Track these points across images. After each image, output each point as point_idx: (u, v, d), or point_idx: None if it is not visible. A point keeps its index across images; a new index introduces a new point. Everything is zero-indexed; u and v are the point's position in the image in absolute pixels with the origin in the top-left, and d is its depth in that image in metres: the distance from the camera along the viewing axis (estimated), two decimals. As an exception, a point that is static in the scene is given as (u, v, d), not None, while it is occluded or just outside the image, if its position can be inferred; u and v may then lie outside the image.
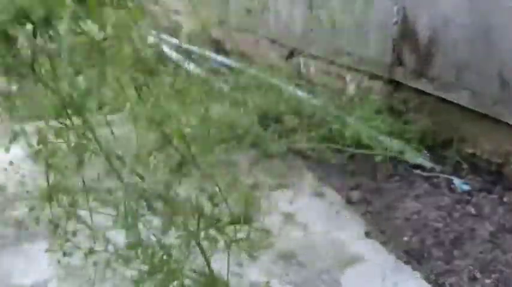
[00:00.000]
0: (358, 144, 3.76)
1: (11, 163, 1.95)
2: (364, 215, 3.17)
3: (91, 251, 1.77)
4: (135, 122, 1.70)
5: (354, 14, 4.60)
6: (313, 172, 3.75)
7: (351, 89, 4.72)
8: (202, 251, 1.73)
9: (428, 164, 3.63)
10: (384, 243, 2.86)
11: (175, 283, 1.71)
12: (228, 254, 1.76)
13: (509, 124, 3.26)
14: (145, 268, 1.74)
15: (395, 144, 3.76)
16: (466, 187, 3.33)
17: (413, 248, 2.81)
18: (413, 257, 2.73)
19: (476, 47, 3.39)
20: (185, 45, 7.01)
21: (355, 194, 3.39)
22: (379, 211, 3.19)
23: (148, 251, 1.68)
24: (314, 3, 5.22)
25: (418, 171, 3.59)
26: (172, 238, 1.75)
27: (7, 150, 1.62)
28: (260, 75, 5.06)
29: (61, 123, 1.60)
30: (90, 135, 1.59)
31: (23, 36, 1.46)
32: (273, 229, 1.93)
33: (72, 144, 1.58)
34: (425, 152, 3.73)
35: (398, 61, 4.14)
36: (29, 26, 1.46)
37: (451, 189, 3.35)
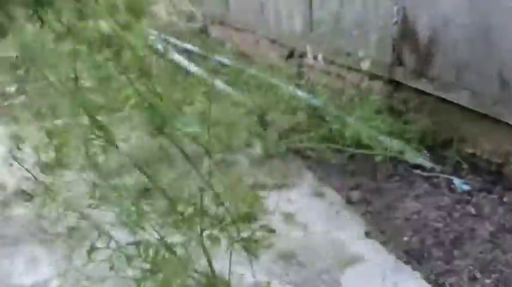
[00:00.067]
0: (358, 144, 3.76)
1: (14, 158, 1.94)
2: (364, 215, 3.17)
3: (93, 248, 1.77)
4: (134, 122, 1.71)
5: (353, 14, 4.60)
6: (313, 172, 3.75)
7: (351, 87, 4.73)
8: (205, 251, 1.73)
9: (428, 164, 3.63)
10: (383, 243, 2.86)
11: (178, 281, 1.71)
12: (231, 254, 1.76)
13: (509, 124, 3.27)
14: (147, 266, 1.74)
15: (395, 144, 3.76)
16: (466, 187, 3.33)
17: (413, 248, 2.81)
18: (413, 257, 2.73)
19: (476, 47, 3.39)
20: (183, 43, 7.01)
21: (355, 194, 3.39)
22: (379, 211, 3.19)
23: (150, 249, 1.69)
24: (314, 3, 5.22)
25: (418, 171, 3.59)
26: (175, 237, 1.76)
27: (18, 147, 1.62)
28: (260, 75, 5.07)
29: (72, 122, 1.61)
30: (101, 133, 1.60)
31: None
32: (273, 229, 1.92)
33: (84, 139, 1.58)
34: (425, 152, 3.73)
35: (398, 61, 4.15)
36: None
37: (451, 189, 3.35)
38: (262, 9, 6.37)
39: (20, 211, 3.34)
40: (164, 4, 10.30)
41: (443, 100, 3.74)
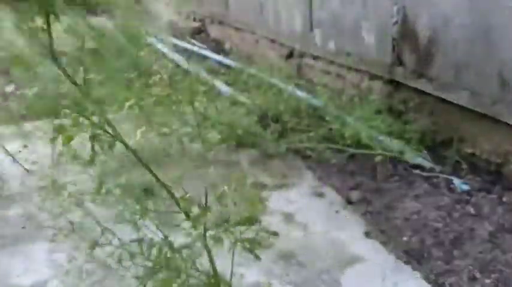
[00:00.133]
0: (358, 144, 3.76)
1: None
2: (364, 215, 3.17)
3: (95, 245, 1.78)
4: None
5: (353, 14, 4.60)
6: (313, 172, 3.76)
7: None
8: (208, 251, 1.73)
9: (427, 164, 3.63)
10: (383, 243, 2.87)
11: (178, 281, 1.72)
12: (233, 255, 1.76)
13: (508, 124, 3.27)
14: (149, 265, 1.75)
15: (395, 144, 3.76)
16: (465, 187, 3.33)
17: (413, 248, 2.81)
18: (413, 257, 2.73)
19: (476, 47, 3.40)
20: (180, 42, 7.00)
21: (355, 194, 3.39)
22: (379, 211, 3.19)
23: (153, 248, 1.69)
24: (314, 3, 5.22)
25: (417, 171, 3.59)
26: (178, 235, 1.76)
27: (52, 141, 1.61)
28: (260, 75, 5.07)
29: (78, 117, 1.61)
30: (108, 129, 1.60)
31: None
32: (273, 229, 1.92)
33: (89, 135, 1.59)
34: (425, 152, 3.73)
35: (398, 61, 4.15)
36: None
37: (451, 189, 3.35)
38: (261, 9, 6.37)
39: (22, 208, 3.34)
40: (164, 4, 10.30)
41: (443, 100, 3.75)
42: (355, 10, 4.58)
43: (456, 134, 3.69)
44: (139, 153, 1.77)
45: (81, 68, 1.55)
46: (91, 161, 1.62)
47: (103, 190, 1.72)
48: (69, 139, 1.53)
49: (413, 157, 3.68)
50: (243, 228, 1.70)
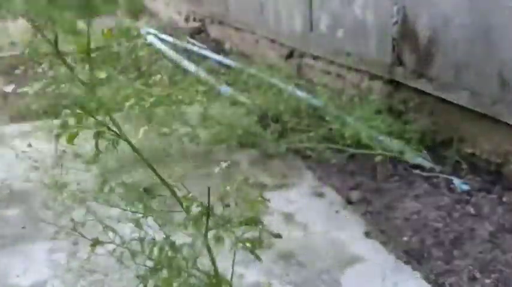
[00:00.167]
0: (358, 144, 3.76)
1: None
2: (364, 215, 3.17)
3: (97, 242, 1.78)
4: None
5: (353, 14, 4.61)
6: (313, 172, 3.75)
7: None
8: (209, 250, 1.73)
9: (428, 164, 3.63)
10: (383, 243, 2.86)
11: (179, 280, 1.72)
12: (234, 254, 1.76)
13: (508, 124, 3.27)
14: (150, 263, 1.75)
15: (395, 144, 3.77)
16: (465, 187, 3.33)
17: (413, 248, 2.81)
18: (413, 257, 2.73)
19: (476, 47, 3.40)
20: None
21: (355, 194, 3.39)
22: (379, 211, 3.19)
23: (155, 246, 1.69)
24: (314, 3, 5.22)
25: (417, 171, 3.59)
26: (179, 235, 1.76)
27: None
28: (260, 75, 5.07)
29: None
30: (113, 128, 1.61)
31: None
32: (272, 229, 1.92)
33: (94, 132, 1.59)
34: (425, 152, 3.73)
35: (398, 61, 4.15)
36: None
37: (451, 189, 3.35)
38: (261, 9, 6.37)
39: (23, 208, 3.34)
40: (164, 4, 10.30)
41: (443, 100, 3.75)
42: (355, 10, 4.58)
43: (456, 134, 3.70)
44: (140, 152, 1.77)
45: (87, 67, 1.55)
46: (94, 159, 1.62)
47: (105, 189, 1.73)
48: (72, 137, 1.53)
49: (413, 157, 3.68)
50: (245, 228, 1.70)
